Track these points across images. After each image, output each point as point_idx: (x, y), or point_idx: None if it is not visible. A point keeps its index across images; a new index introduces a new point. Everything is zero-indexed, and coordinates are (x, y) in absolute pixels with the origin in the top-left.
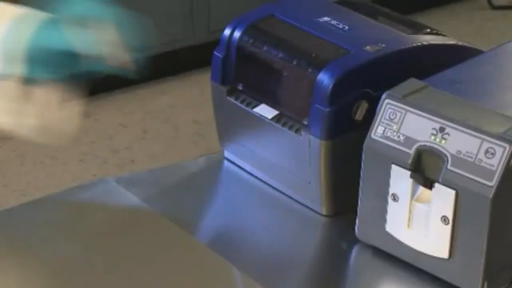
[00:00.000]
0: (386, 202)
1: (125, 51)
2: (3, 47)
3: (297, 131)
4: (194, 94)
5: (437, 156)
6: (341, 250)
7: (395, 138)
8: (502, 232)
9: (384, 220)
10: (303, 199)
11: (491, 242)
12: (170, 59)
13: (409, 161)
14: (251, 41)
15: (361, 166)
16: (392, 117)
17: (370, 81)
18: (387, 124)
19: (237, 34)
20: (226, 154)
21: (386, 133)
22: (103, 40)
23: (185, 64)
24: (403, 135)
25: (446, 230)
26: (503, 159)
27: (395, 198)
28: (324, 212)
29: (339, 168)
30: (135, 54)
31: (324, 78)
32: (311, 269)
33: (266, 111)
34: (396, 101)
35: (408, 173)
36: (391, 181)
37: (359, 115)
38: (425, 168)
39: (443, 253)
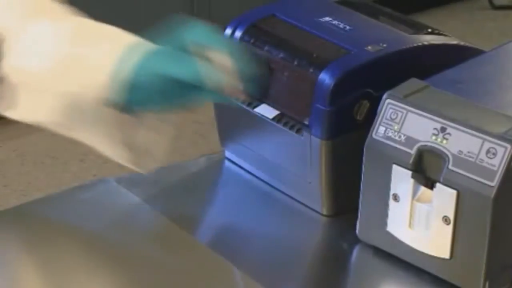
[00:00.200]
0: (387, 202)
1: (238, 80)
2: (115, 75)
3: (298, 131)
4: None
5: (438, 156)
6: (341, 250)
7: (396, 138)
8: (504, 232)
9: (385, 220)
10: (304, 199)
11: (493, 242)
12: None
13: (410, 161)
14: (252, 41)
15: (362, 166)
16: (393, 117)
17: (371, 81)
18: (388, 124)
19: (238, 34)
20: (227, 154)
21: (387, 133)
22: (217, 69)
23: None
24: (404, 135)
25: (448, 230)
26: (505, 159)
27: (396, 198)
28: (324, 212)
29: (340, 168)
30: (246, 82)
31: (325, 78)
32: (311, 269)
33: (267, 111)
34: (397, 101)
35: (409, 173)
36: (392, 181)
37: (360, 115)
38: (426, 168)
39: (444, 253)
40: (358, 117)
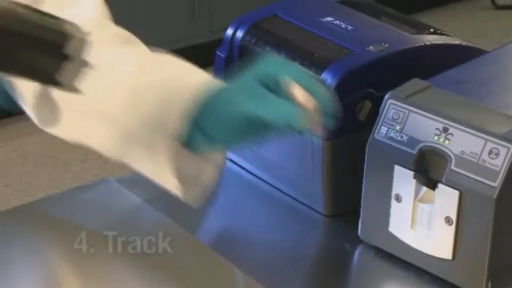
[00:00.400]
0: (389, 202)
1: (316, 113)
2: (189, 111)
3: (300, 131)
4: None
5: (440, 156)
6: (343, 250)
7: (398, 138)
8: (506, 233)
9: (387, 221)
10: (306, 199)
11: (495, 243)
12: None
13: (412, 162)
14: (253, 41)
15: (364, 166)
16: (395, 117)
17: (373, 81)
18: (390, 124)
19: (239, 33)
20: (228, 154)
21: (389, 133)
22: (298, 105)
23: None
24: (406, 135)
25: (450, 231)
26: (507, 159)
27: (398, 198)
28: (326, 213)
29: (341, 168)
30: (326, 116)
31: (327, 78)
32: (313, 269)
33: None
34: (399, 101)
35: (412, 173)
36: (394, 182)
37: (362, 115)
38: (429, 169)
39: (447, 254)
40: (360, 117)
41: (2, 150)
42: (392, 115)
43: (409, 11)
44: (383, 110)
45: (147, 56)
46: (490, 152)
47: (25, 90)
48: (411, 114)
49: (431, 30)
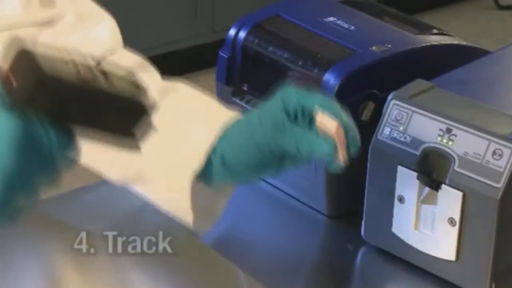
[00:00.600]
0: (393, 203)
1: (344, 143)
2: (211, 151)
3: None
4: None
5: (444, 157)
6: (346, 251)
7: (402, 139)
8: (510, 234)
9: (390, 222)
10: (308, 200)
11: (499, 244)
12: (174, 59)
13: (416, 162)
14: (256, 41)
15: (367, 167)
16: (398, 118)
17: (376, 81)
18: (394, 125)
19: (242, 34)
20: None
21: (393, 134)
22: (323, 135)
23: (189, 64)
24: (410, 136)
25: (453, 232)
26: (511, 160)
27: (401, 199)
28: (329, 213)
29: (344, 169)
30: (350, 145)
31: (330, 79)
32: (316, 270)
33: None
34: (403, 102)
35: (415, 174)
36: (398, 182)
37: (365, 116)
38: (432, 170)
39: (450, 255)
40: (363, 118)
41: None
42: (396, 116)
43: (411, 11)
44: (386, 110)
45: (163, 87)
46: (493, 153)
47: None
48: (415, 114)
49: (435, 30)
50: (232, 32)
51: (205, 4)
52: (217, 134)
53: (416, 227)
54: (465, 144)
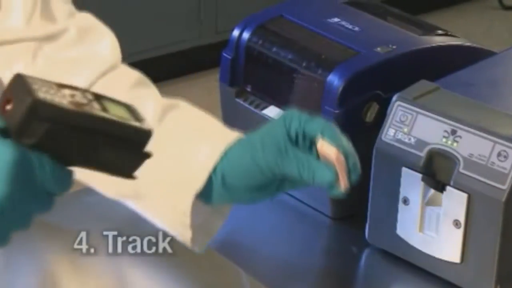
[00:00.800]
0: (397, 205)
1: (345, 170)
2: (214, 173)
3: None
4: (202, 95)
5: (448, 159)
6: (351, 253)
7: (406, 140)
8: None
9: (394, 224)
10: (313, 202)
11: (504, 246)
12: (177, 60)
13: (420, 164)
14: (260, 42)
15: (371, 168)
16: (403, 119)
17: (381, 82)
18: (398, 127)
19: (246, 35)
20: None
21: (397, 136)
22: (325, 163)
23: (192, 65)
24: (414, 137)
25: (458, 234)
26: None
27: (405, 201)
28: (333, 215)
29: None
30: (350, 172)
31: (334, 80)
32: (320, 272)
33: (275, 113)
34: (407, 103)
35: (419, 176)
36: (402, 184)
37: (369, 117)
38: (437, 171)
39: (455, 257)
40: (367, 119)
41: None
42: (400, 117)
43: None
44: (390, 112)
45: (164, 105)
46: (498, 155)
47: None
48: (419, 116)
49: (439, 31)
50: (235, 33)
51: (208, 4)
52: (219, 155)
53: (420, 229)
54: (470, 145)
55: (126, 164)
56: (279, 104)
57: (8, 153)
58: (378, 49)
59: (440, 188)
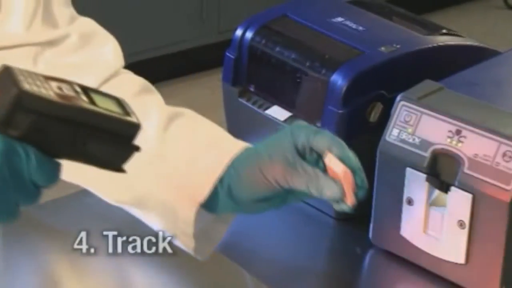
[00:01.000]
0: (401, 206)
1: (352, 186)
2: (222, 183)
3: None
4: (204, 95)
5: (453, 159)
6: (354, 254)
7: (410, 141)
8: None
9: (399, 224)
10: (316, 202)
11: (509, 247)
12: (179, 59)
13: (425, 164)
14: (263, 41)
15: (375, 169)
16: (407, 119)
17: (385, 82)
18: (402, 127)
19: (249, 34)
20: None
21: (401, 136)
22: (332, 178)
23: (195, 64)
24: (419, 137)
25: (463, 235)
26: None
27: (410, 202)
28: (337, 216)
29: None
30: (358, 187)
31: (338, 80)
32: (324, 273)
33: (278, 113)
34: (411, 103)
35: (424, 176)
36: (406, 185)
37: (373, 117)
38: (441, 172)
39: (460, 258)
40: (371, 119)
41: None
42: (404, 117)
43: (419, 11)
44: (394, 112)
45: (169, 112)
46: (504, 155)
47: None
48: (424, 116)
49: (444, 30)
50: (239, 32)
51: (211, 4)
52: (226, 165)
53: (424, 230)
54: (475, 145)
55: (114, 157)
56: (282, 104)
57: None
58: (382, 48)
59: (445, 188)
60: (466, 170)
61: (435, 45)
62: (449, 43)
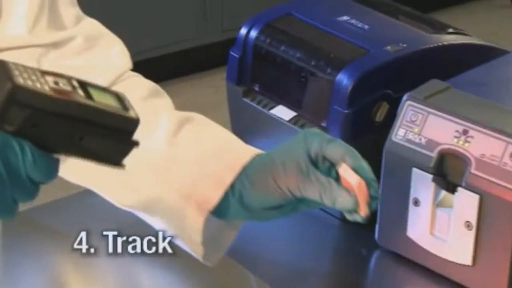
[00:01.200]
0: (407, 206)
1: (365, 197)
2: (228, 186)
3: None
4: (208, 94)
5: (460, 159)
6: (360, 255)
7: (417, 140)
8: None
9: (405, 225)
10: None
11: None
12: (183, 58)
13: (431, 165)
14: (268, 40)
15: (381, 169)
16: (413, 119)
17: (391, 82)
18: (408, 127)
19: (253, 33)
20: None
21: (407, 136)
22: (347, 188)
23: (198, 64)
24: (425, 137)
25: (470, 236)
26: None
27: (416, 202)
28: (343, 217)
29: None
30: (371, 201)
31: (343, 79)
32: (329, 274)
33: (283, 112)
34: (418, 103)
35: (430, 177)
36: (412, 185)
37: (379, 117)
38: (448, 172)
39: (467, 259)
40: (377, 119)
41: None
42: (410, 117)
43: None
44: (401, 111)
45: (179, 117)
46: (511, 155)
47: None
48: (430, 116)
49: (450, 29)
50: (243, 31)
51: (214, 3)
52: (237, 172)
53: (431, 231)
54: (482, 146)
55: (113, 153)
56: (287, 104)
57: None
58: (388, 47)
59: (452, 189)
60: (473, 171)
61: (441, 44)
62: (456, 42)
